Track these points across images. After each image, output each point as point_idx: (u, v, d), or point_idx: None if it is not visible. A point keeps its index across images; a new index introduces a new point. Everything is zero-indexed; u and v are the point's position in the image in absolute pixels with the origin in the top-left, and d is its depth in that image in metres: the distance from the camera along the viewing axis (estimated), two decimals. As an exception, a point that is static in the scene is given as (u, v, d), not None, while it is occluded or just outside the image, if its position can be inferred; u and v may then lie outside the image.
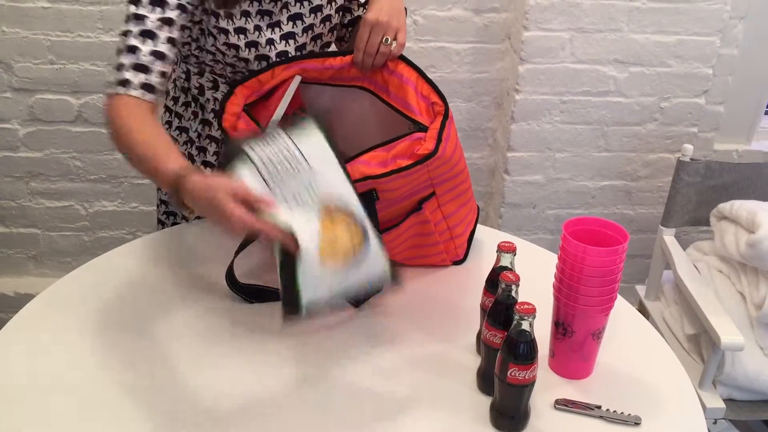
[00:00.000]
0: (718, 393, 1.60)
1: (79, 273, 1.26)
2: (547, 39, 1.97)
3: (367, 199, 1.10)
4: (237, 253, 1.17)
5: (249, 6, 1.23)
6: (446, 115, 1.15)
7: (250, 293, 1.19)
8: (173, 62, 1.15)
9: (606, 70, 2.03)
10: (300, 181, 0.99)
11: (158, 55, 1.10)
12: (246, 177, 0.97)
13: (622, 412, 0.98)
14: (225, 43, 1.24)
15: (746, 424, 1.92)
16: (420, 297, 1.24)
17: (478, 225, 1.36)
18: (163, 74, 1.12)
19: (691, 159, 1.80)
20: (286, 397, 1.00)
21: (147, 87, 1.09)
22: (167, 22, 1.12)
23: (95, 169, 2.18)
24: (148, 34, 1.10)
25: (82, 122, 2.10)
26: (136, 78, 1.09)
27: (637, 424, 0.97)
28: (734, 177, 1.83)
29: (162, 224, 1.48)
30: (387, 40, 1.19)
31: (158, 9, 1.11)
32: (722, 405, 1.57)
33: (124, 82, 1.09)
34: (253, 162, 0.99)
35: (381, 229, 1.14)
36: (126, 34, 1.11)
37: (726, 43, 2.06)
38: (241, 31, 1.23)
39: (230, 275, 1.18)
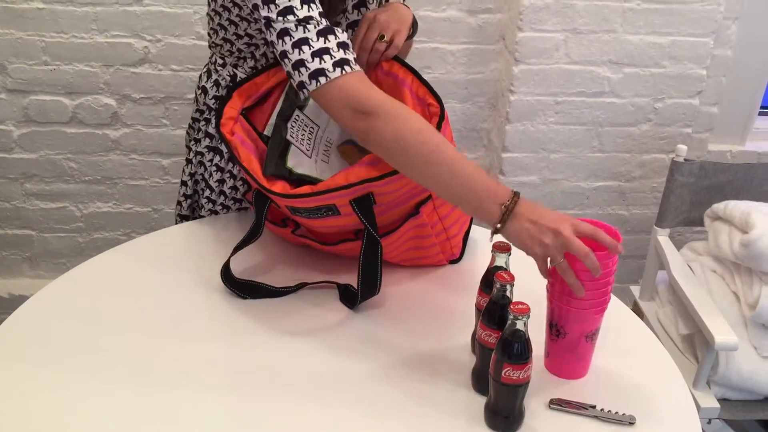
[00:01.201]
0: (712, 393, 1.61)
1: (74, 274, 1.26)
2: (541, 40, 1.98)
3: (365, 203, 1.10)
4: (235, 251, 1.17)
5: (342, 18, 1.24)
6: (442, 116, 1.15)
7: (244, 289, 1.19)
8: None
9: (600, 71, 2.03)
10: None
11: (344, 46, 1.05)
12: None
13: (616, 412, 0.98)
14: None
15: (740, 423, 1.92)
16: (415, 297, 1.24)
17: (474, 225, 1.36)
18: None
19: (685, 159, 1.80)
20: (281, 396, 1.00)
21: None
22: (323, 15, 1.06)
23: (90, 171, 2.18)
24: (325, 32, 1.04)
25: (77, 123, 2.10)
26: (348, 54, 1.03)
27: (631, 423, 0.97)
28: (728, 177, 1.84)
29: (184, 218, 1.47)
30: (383, 37, 1.19)
31: (312, 6, 1.04)
32: (716, 405, 1.58)
33: (344, 62, 1.02)
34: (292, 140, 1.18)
35: (380, 233, 1.14)
36: (303, 43, 1.03)
37: (720, 44, 2.07)
38: None
39: (226, 270, 1.18)
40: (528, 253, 0.98)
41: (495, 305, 0.95)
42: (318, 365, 1.07)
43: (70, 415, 0.95)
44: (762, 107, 2.25)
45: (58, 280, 1.24)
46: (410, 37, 1.28)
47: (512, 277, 0.95)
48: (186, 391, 1.01)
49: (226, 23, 1.25)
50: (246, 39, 1.25)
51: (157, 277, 1.26)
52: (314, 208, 1.11)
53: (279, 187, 1.13)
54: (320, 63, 1.02)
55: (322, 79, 1.02)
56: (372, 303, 1.20)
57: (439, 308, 1.22)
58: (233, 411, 0.98)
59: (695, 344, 1.69)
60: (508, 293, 0.95)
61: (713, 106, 2.17)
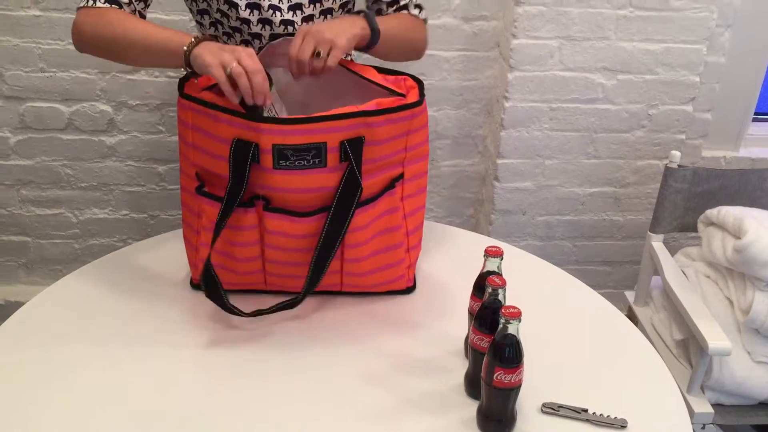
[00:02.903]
0: (706, 398, 1.61)
1: (69, 281, 1.26)
2: (535, 47, 1.99)
3: (355, 144, 1.09)
4: (218, 227, 1.10)
5: None
6: (421, 84, 1.19)
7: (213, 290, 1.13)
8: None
9: (594, 77, 2.05)
10: None
11: None
12: None
13: (608, 416, 0.99)
14: (226, 1, 1.25)
15: (734, 428, 1.93)
16: (406, 301, 1.25)
17: (468, 232, 1.36)
18: (129, 1, 1.20)
19: (679, 166, 1.81)
20: (272, 402, 1.00)
21: (113, 2, 1.19)
22: None
23: (86, 177, 2.18)
24: None
25: (73, 130, 2.10)
26: None
27: (623, 427, 0.97)
28: (721, 183, 1.85)
29: None
30: (319, 54, 1.13)
31: None
32: (710, 410, 1.58)
33: None
34: None
35: (361, 200, 1.13)
36: None
37: (713, 51, 2.08)
38: None
39: (207, 265, 1.11)
40: (209, 71, 1.07)
41: (487, 309, 0.96)
42: (310, 371, 1.07)
43: (60, 422, 0.96)
44: (755, 114, 2.27)
45: (54, 287, 1.24)
46: (370, 46, 1.23)
47: (504, 282, 0.95)
48: (181, 396, 1.01)
49: (197, 17, 1.34)
50: (219, 25, 1.31)
51: (152, 284, 1.26)
52: (304, 146, 1.07)
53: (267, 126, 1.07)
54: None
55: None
56: (364, 309, 1.21)
57: (431, 312, 1.22)
58: (224, 416, 0.98)
59: (689, 349, 1.69)
60: (500, 297, 0.95)
61: (707, 113, 2.19)
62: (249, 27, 1.28)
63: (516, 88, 2.03)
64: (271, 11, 1.27)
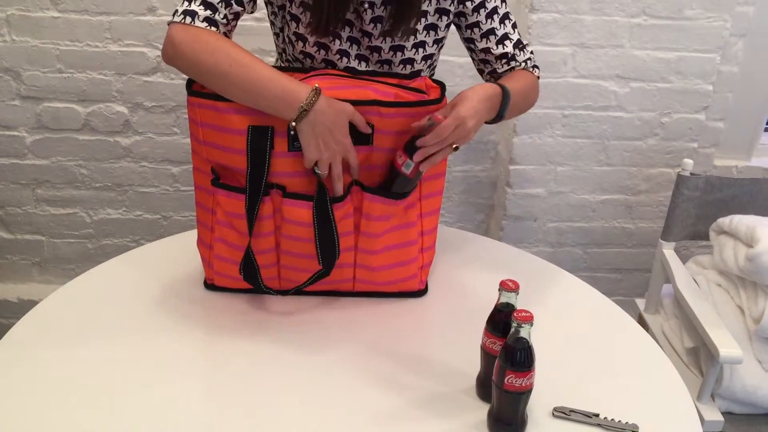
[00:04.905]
0: (716, 406, 1.61)
1: (83, 280, 1.27)
2: (549, 54, 1.99)
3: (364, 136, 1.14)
4: (249, 215, 1.14)
5: (342, 30, 1.23)
6: (443, 86, 1.20)
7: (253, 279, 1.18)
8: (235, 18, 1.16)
9: (607, 85, 2.05)
10: None
11: (226, 3, 1.12)
12: None
13: (619, 421, 0.99)
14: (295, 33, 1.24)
15: (745, 438, 1.92)
16: (419, 304, 1.25)
17: (480, 236, 1.37)
18: (227, 21, 1.13)
19: (691, 174, 1.81)
20: (284, 402, 1.01)
21: (211, 22, 1.11)
22: None
23: (101, 177, 2.20)
24: None
25: (89, 130, 2.13)
26: (204, 12, 1.10)
27: (634, 432, 0.98)
28: (734, 192, 1.85)
29: None
30: (457, 148, 1.13)
31: None
32: (720, 418, 1.58)
33: (191, 13, 1.10)
34: None
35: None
36: None
37: (726, 60, 2.08)
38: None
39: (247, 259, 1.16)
40: (308, 153, 1.09)
41: (499, 313, 0.96)
42: (321, 373, 1.08)
43: (75, 420, 0.97)
44: (768, 123, 2.27)
45: (67, 286, 1.25)
46: (500, 117, 1.21)
47: (517, 285, 0.96)
48: (194, 396, 1.02)
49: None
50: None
51: (164, 284, 1.27)
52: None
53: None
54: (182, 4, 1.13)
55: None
56: (376, 310, 1.21)
57: (444, 315, 1.23)
58: (236, 416, 0.99)
59: (700, 357, 1.69)
60: (512, 301, 0.96)
61: (719, 122, 2.18)
62: (312, 62, 1.26)
63: (529, 95, 2.04)
64: (338, 56, 1.25)
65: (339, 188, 1.13)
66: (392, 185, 1.16)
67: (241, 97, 1.08)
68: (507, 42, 1.30)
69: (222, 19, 1.12)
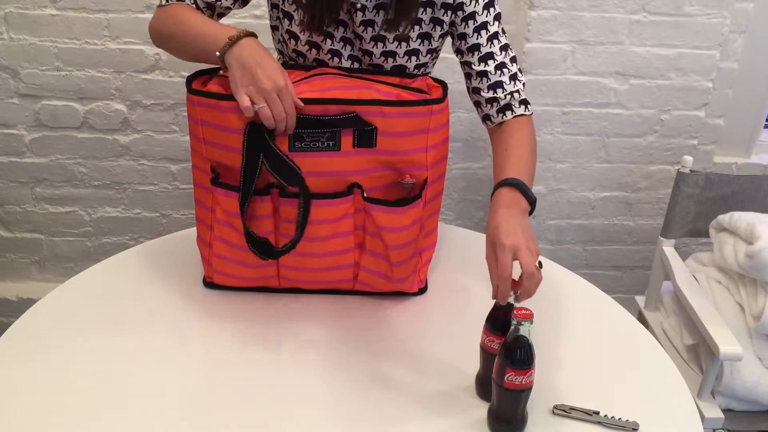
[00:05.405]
0: (716, 403, 1.61)
1: (82, 278, 1.27)
2: (549, 51, 1.99)
3: (368, 133, 1.12)
4: (243, 206, 1.13)
5: (335, 30, 1.22)
6: (445, 85, 1.19)
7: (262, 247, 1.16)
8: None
9: (607, 82, 2.05)
10: None
11: None
12: None
13: (620, 418, 0.99)
14: (288, 31, 1.24)
15: (745, 435, 1.92)
16: (418, 302, 1.25)
17: (480, 234, 1.37)
18: (197, 6, 1.18)
19: (691, 171, 1.81)
20: (281, 402, 1.01)
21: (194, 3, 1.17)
22: None
23: (99, 175, 2.20)
24: None
25: (88, 129, 2.12)
26: None
27: (635, 430, 0.97)
28: (733, 189, 1.84)
29: None
30: (541, 265, 0.99)
31: None
32: (721, 415, 1.58)
33: None
34: None
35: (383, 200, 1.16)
36: None
37: (726, 56, 2.08)
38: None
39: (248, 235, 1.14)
40: (235, 96, 1.06)
41: (499, 311, 0.96)
42: (321, 371, 1.08)
43: (74, 419, 0.96)
44: (767, 120, 2.26)
45: (66, 284, 1.25)
46: (533, 205, 1.12)
47: (517, 284, 0.96)
48: (193, 394, 1.02)
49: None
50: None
51: (163, 283, 1.27)
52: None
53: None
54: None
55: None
56: (375, 309, 1.21)
57: (443, 314, 1.23)
58: (237, 415, 0.99)
59: (700, 355, 1.69)
60: (512, 300, 0.96)
61: (719, 119, 2.18)
62: (305, 60, 1.26)
63: (529, 92, 2.03)
64: (329, 55, 1.24)
65: (281, 128, 1.07)
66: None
67: (187, 51, 1.16)
68: (490, 61, 1.25)
69: (192, 3, 1.19)
